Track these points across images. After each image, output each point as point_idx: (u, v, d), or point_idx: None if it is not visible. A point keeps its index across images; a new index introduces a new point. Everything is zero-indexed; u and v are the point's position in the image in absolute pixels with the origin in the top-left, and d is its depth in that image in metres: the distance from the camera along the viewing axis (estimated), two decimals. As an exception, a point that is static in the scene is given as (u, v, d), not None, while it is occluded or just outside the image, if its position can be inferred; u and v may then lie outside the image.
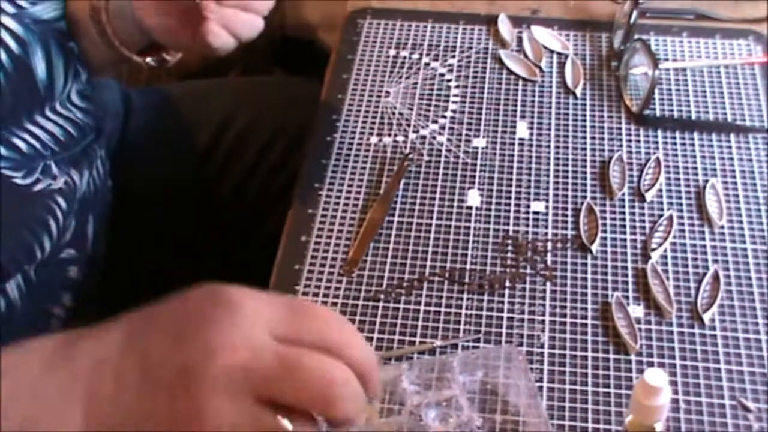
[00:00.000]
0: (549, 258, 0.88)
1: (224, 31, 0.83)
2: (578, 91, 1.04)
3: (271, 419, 0.55)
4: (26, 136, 0.85)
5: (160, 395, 0.55)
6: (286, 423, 0.55)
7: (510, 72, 1.07)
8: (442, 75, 1.07)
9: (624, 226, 0.90)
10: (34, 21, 0.85)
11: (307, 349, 0.56)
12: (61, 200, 0.88)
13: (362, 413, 0.59)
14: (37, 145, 0.86)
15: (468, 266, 0.87)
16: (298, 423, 0.55)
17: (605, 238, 0.89)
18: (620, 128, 1.00)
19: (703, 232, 0.90)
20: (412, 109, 1.03)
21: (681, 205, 0.92)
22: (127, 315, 0.60)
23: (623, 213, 0.91)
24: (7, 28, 0.82)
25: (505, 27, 1.12)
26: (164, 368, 0.56)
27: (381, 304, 0.85)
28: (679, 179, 0.94)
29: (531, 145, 0.99)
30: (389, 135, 1.00)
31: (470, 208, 0.93)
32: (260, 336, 0.56)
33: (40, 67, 0.85)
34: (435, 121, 1.02)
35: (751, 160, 0.96)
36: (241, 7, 0.84)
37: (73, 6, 0.90)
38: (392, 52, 1.10)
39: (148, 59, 0.92)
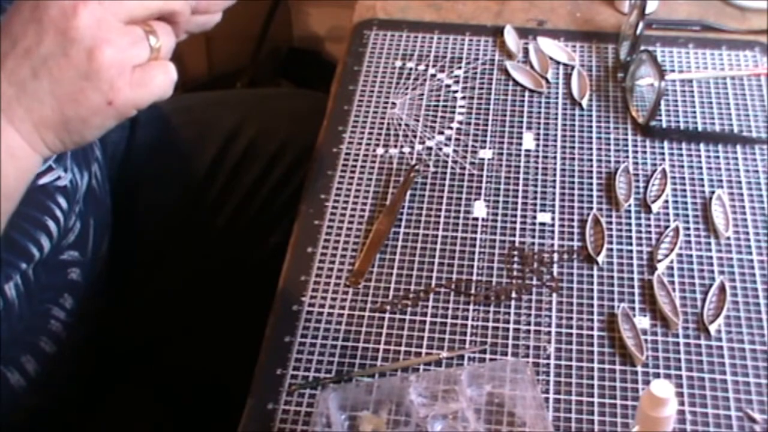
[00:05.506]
0: (555, 269, 0.88)
1: None
2: (584, 103, 1.04)
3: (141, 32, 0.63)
4: None
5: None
6: (152, 37, 0.64)
7: (516, 83, 1.07)
8: (448, 86, 1.07)
9: (630, 238, 0.90)
10: None
11: None
12: (62, 199, 0.87)
13: None
14: None
15: (474, 277, 0.88)
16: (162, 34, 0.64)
17: (611, 250, 0.89)
18: (626, 139, 1.00)
19: (709, 244, 0.89)
20: (418, 121, 1.03)
21: (687, 216, 0.92)
22: None
23: (629, 224, 0.91)
24: None
25: (511, 38, 1.12)
26: None
27: (387, 316, 0.85)
28: (685, 190, 0.94)
29: (537, 157, 0.99)
30: (395, 146, 1.00)
31: (476, 219, 0.93)
32: None
33: None
34: (441, 133, 1.02)
35: (757, 171, 0.96)
36: None
37: None
38: (398, 63, 1.10)
39: None
